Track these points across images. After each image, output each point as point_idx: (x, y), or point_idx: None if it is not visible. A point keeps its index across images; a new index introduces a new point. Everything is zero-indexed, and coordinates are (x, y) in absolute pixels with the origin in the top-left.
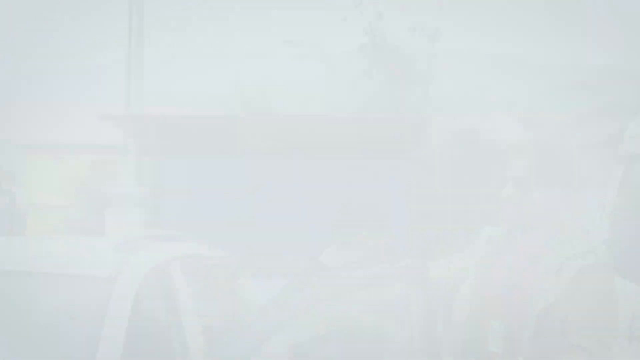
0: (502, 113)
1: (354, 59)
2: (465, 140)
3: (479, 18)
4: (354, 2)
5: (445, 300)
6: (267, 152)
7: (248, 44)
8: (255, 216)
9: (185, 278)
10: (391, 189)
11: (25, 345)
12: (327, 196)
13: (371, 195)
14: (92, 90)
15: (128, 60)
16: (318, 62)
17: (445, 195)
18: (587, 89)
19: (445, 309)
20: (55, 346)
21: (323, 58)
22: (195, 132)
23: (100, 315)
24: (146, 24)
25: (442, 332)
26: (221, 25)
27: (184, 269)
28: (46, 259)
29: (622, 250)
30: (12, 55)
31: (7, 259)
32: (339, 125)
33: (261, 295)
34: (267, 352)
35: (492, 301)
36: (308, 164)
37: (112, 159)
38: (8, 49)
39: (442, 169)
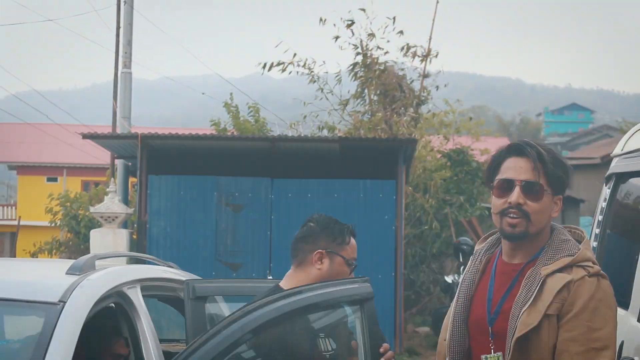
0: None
1: (346, 79)
2: (456, 161)
3: (473, 39)
4: (346, 21)
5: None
6: (256, 172)
7: (239, 63)
8: (240, 235)
9: (145, 302)
10: (380, 208)
11: None
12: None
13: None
14: (84, 111)
15: (115, 82)
16: (309, 82)
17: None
18: (580, 110)
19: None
20: None
21: (314, 78)
22: (183, 152)
23: (45, 342)
24: (135, 46)
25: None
26: (212, 44)
27: (146, 293)
28: None
29: (609, 273)
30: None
31: None
32: (330, 145)
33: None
34: None
35: (474, 325)
36: (295, 184)
37: (101, 179)
38: None
39: (432, 189)
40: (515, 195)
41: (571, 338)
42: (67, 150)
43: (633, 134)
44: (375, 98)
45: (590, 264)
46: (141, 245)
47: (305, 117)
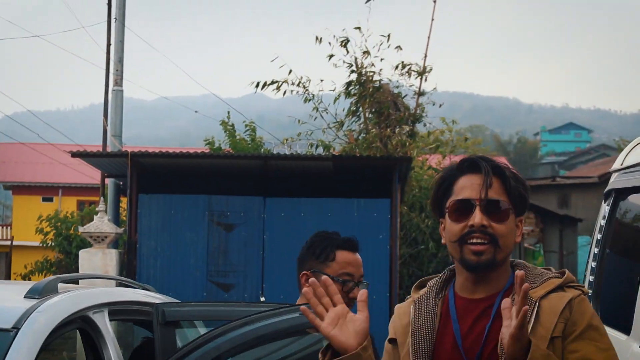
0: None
1: (341, 98)
2: None
3: (470, 59)
4: (341, 39)
5: None
6: (248, 191)
7: (237, 83)
8: (232, 255)
9: (112, 326)
10: (375, 227)
11: None
12: (305, 235)
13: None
14: (81, 132)
15: (106, 100)
16: (304, 101)
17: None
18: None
19: None
20: None
21: (309, 96)
22: (173, 170)
23: None
24: (132, 65)
25: None
26: (210, 64)
27: (117, 317)
28: None
29: (609, 295)
30: None
31: None
32: (323, 164)
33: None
34: None
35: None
36: (288, 202)
37: (97, 199)
38: None
39: (429, 208)
40: (478, 216)
41: (581, 358)
42: (63, 170)
43: (633, 147)
44: (370, 116)
45: (578, 284)
46: (131, 265)
47: (299, 134)
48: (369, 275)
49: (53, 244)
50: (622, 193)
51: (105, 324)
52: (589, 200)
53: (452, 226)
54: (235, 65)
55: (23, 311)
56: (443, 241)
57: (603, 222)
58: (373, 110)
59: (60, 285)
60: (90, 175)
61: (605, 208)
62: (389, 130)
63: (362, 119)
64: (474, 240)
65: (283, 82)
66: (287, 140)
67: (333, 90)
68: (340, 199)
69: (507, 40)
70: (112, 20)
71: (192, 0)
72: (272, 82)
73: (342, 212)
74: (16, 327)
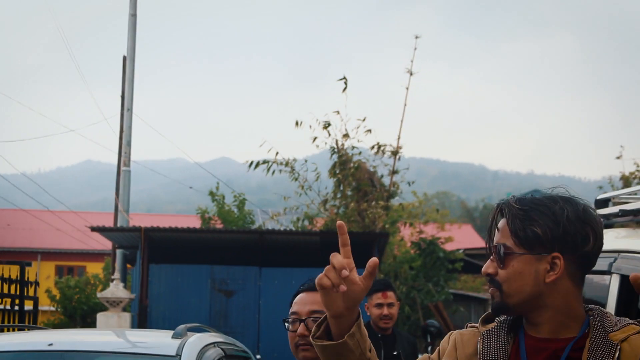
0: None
1: (324, 176)
2: (425, 250)
3: (436, 126)
4: (324, 123)
5: None
6: (246, 261)
7: (204, 148)
8: (232, 318)
9: (223, 355)
10: None
11: None
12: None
13: None
14: (86, 198)
15: (118, 179)
16: (291, 180)
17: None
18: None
19: None
20: None
21: (295, 174)
22: (179, 243)
23: None
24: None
25: None
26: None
27: (220, 348)
28: (123, 343)
29: None
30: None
31: (92, 344)
32: (312, 238)
33: None
34: None
35: None
36: (281, 272)
37: (76, 264)
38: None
39: (402, 276)
40: (485, 264)
41: None
42: (42, 236)
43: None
44: (350, 193)
45: None
46: (142, 327)
47: (285, 210)
48: None
49: (59, 308)
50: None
51: (220, 352)
52: None
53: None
54: (202, 131)
55: (178, 344)
56: None
57: None
58: (352, 187)
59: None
60: (68, 241)
61: None
62: (365, 204)
63: (341, 195)
64: (490, 286)
65: (273, 162)
66: (275, 215)
67: (315, 171)
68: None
69: (473, 109)
70: (125, 110)
71: (161, 64)
72: (264, 162)
73: None
74: (178, 354)
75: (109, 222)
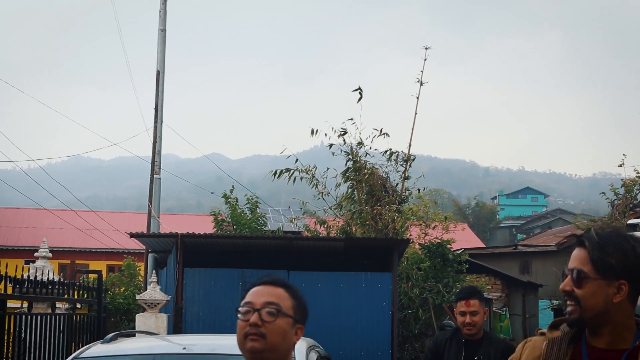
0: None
1: (340, 182)
2: (434, 252)
3: (427, 121)
4: (339, 131)
5: None
6: (275, 265)
7: (215, 155)
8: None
9: (319, 356)
10: (379, 296)
11: None
12: (322, 302)
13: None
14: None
15: (151, 187)
16: (311, 187)
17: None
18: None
19: None
20: None
21: (314, 181)
22: (212, 248)
23: None
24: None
25: None
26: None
27: (316, 351)
28: None
29: None
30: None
31: (224, 347)
32: (336, 244)
33: None
34: None
35: None
36: (308, 275)
37: (81, 262)
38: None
39: (414, 278)
40: (563, 282)
41: None
42: (46, 234)
43: None
44: (364, 197)
45: None
46: (177, 327)
47: (304, 213)
48: (375, 336)
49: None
50: None
51: (318, 354)
52: (548, 267)
53: None
54: (192, 127)
55: None
56: None
57: None
58: (366, 192)
59: None
60: (72, 239)
61: None
62: (380, 207)
63: (357, 199)
64: (567, 302)
65: (295, 170)
66: (293, 219)
67: (334, 177)
68: (350, 272)
69: (463, 105)
70: (159, 123)
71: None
72: (287, 171)
73: (352, 284)
74: (292, 356)
75: (109, 221)
